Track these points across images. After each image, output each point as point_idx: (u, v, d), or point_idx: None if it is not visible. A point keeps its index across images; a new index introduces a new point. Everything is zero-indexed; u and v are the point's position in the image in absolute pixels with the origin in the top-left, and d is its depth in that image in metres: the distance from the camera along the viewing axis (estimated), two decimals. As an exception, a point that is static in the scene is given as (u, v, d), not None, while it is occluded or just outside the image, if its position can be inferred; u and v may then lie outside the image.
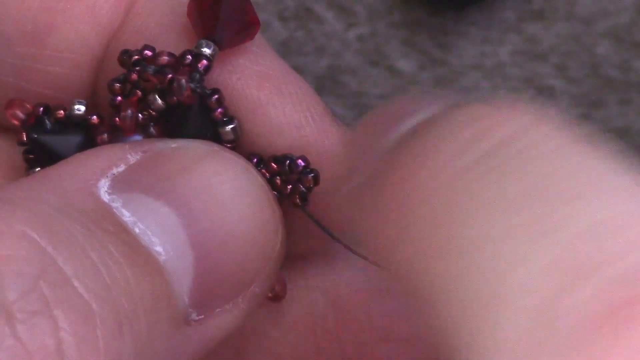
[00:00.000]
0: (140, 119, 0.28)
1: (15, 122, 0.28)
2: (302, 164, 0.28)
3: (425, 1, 0.40)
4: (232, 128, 0.28)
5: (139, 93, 0.28)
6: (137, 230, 0.24)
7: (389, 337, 0.31)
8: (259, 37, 0.28)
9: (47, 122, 0.29)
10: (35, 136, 0.28)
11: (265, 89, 0.28)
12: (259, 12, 0.33)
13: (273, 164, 0.28)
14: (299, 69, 0.41)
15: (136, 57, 0.28)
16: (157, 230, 0.25)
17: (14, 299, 0.22)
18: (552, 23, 0.39)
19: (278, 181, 0.28)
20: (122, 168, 0.26)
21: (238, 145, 0.28)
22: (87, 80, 0.29)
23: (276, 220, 0.27)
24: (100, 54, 0.28)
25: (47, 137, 0.29)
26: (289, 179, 0.28)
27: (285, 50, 0.41)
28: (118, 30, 0.28)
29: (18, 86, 0.29)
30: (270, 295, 0.29)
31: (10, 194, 0.24)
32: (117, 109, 0.29)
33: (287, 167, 0.28)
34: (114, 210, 0.25)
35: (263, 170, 0.28)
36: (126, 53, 0.28)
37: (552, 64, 0.39)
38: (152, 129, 0.28)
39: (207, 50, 0.28)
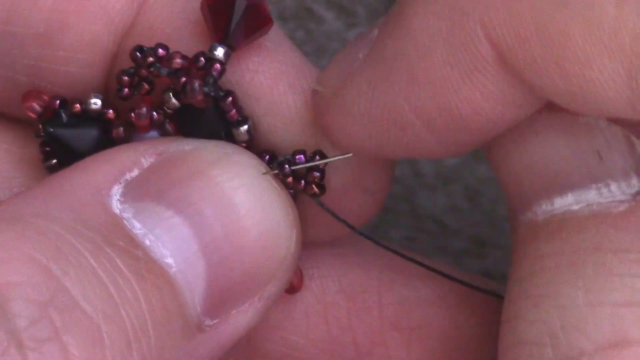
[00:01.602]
0: (155, 117, 0.28)
1: (32, 115, 0.28)
2: (302, 159, 0.28)
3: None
4: (246, 128, 0.28)
5: (147, 86, 0.28)
6: (147, 242, 0.25)
7: (399, 325, 0.31)
8: (274, 30, 0.28)
9: (64, 115, 0.29)
10: (52, 130, 0.28)
11: (278, 87, 0.28)
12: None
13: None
14: (299, 69, 0.41)
15: (151, 59, 0.28)
16: (167, 240, 0.25)
17: (23, 326, 0.22)
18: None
19: (290, 179, 0.28)
20: (135, 173, 0.26)
21: (252, 143, 0.29)
22: (100, 78, 0.29)
23: (291, 222, 0.27)
24: (112, 53, 0.28)
25: (64, 131, 0.29)
26: (300, 175, 0.28)
27: (285, 50, 0.41)
28: (130, 28, 0.28)
29: (33, 85, 0.29)
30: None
31: (19, 210, 0.24)
32: (129, 103, 0.29)
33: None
34: (125, 222, 0.25)
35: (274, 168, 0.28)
36: (140, 50, 0.28)
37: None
38: (167, 126, 0.29)
39: (220, 54, 0.28)
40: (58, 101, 0.29)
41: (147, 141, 0.27)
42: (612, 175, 0.25)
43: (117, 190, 0.25)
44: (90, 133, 0.29)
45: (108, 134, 0.29)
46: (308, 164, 0.28)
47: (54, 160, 0.29)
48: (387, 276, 0.31)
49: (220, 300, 0.25)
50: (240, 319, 0.26)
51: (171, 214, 0.25)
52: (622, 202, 0.25)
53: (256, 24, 0.28)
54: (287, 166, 0.28)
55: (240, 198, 0.26)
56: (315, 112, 0.28)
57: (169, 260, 0.24)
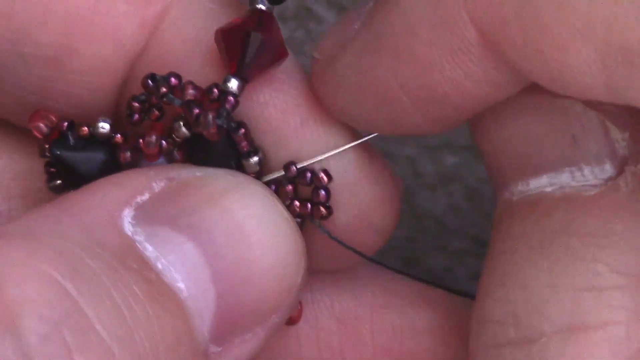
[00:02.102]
0: (164, 145, 0.28)
1: (39, 135, 0.28)
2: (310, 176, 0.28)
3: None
4: (257, 160, 0.28)
5: (157, 113, 0.28)
6: (160, 265, 0.24)
7: (391, 353, 0.31)
8: (288, 59, 0.28)
9: (71, 138, 0.28)
10: (59, 152, 0.28)
11: (288, 121, 0.28)
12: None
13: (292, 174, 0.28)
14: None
15: (163, 89, 0.27)
16: (180, 266, 0.24)
17: (35, 344, 0.22)
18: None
19: (297, 203, 0.28)
20: (146, 197, 0.25)
21: (261, 174, 0.28)
22: (110, 102, 0.29)
23: (299, 253, 0.27)
24: (123, 77, 0.28)
25: (70, 154, 0.28)
26: (306, 198, 0.28)
27: (285, 50, 0.41)
28: (141, 53, 0.28)
29: (41, 106, 0.28)
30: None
31: (32, 227, 0.24)
32: (138, 129, 0.28)
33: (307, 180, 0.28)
34: (137, 244, 0.24)
35: (288, 188, 0.28)
36: (152, 78, 0.28)
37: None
38: (175, 154, 0.28)
39: (234, 86, 0.27)
40: (66, 123, 0.28)
41: (158, 166, 0.27)
42: (586, 159, 0.26)
43: (128, 213, 0.25)
44: (97, 157, 0.28)
45: (115, 158, 0.29)
46: (321, 157, 0.28)
47: (58, 181, 0.29)
48: (380, 303, 0.31)
49: (227, 328, 0.25)
50: (243, 347, 0.26)
51: (183, 240, 0.25)
52: (594, 186, 0.25)
53: (272, 57, 0.28)
54: (294, 167, 0.28)
55: (252, 227, 0.26)
56: (312, 79, 0.28)
57: (181, 285, 0.24)
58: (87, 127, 0.28)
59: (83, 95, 0.28)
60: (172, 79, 0.28)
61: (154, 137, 0.28)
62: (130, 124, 0.28)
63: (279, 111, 0.28)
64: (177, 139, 0.28)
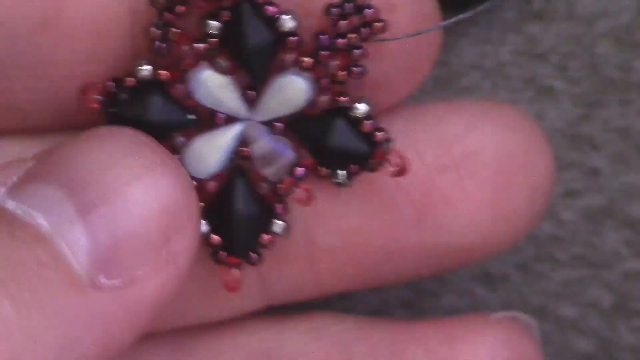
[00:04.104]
0: (200, 49, 0.27)
1: (96, 106, 0.28)
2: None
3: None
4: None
5: (177, 30, 0.27)
6: (19, 211, 0.25)
7: None
8: None
9: (121, 94, 0.28)
10: (114, 110, 0.28)
11: None
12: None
13: None
14: (299, 70, 0.41)
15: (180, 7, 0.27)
16: (38, 204, 0.25)
17: None
18: (552, 23, 0.39)
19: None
20: (14, 179, 0.26)
21: None
22: (122, 40, 0.28)
23: (176, 177, 0.26)
24: (128, 8, 0.28)
25: (126, 108, 0.28)
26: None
27: (285, 50, 0.41)
28: None
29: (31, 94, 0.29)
30: None
31: None
32: (170, 43, 0.27)
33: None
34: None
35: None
36: None
37: (553, 64, 0.39)
38: (219, 60, 0.28)
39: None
40: (112, 83, 0.28)
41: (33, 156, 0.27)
42: None
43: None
44: (154, 100, 0.28)
45: (168, 94, 0.28)
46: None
47: None
48: None
49: (113, 257, 0.25)
50: (151, 282, 0.26)
51: (43, 184, 0.25)
52: None
53: None
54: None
55: (114, 158, 0.26)
56: None
57: (41, 221, 0.25)
58: (131, 76, 0.28)
59: (91, 46, 0.28)
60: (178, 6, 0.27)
61: (186, 48, 0.27)
62: (156, 53, 0.28)
63: None
64: (213, 39, 0.27)
